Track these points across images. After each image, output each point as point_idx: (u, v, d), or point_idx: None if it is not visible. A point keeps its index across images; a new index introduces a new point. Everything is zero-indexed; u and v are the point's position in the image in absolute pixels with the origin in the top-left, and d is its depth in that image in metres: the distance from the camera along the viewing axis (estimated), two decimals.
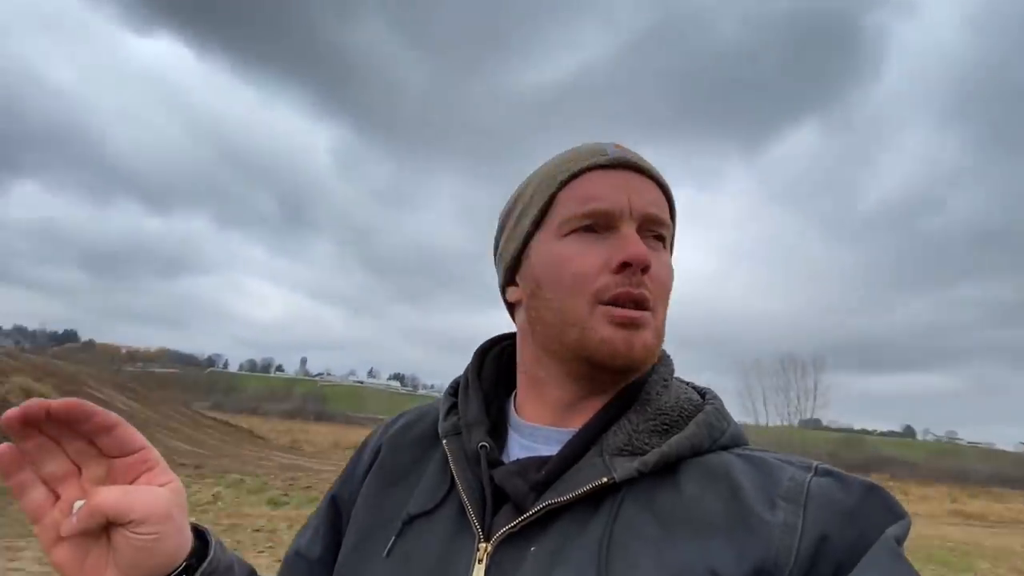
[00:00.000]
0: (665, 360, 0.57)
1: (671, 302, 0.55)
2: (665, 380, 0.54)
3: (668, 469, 0.48)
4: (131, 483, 0.44)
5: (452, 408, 0.58)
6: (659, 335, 0.52)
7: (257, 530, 6.67)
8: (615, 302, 0.50)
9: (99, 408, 0.42)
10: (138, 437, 0.45)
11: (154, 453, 0.46)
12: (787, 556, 0.42)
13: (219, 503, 8.15)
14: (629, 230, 0.52)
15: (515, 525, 0.47)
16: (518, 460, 0.53)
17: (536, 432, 0.55)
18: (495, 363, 0.62)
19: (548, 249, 0.53)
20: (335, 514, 0.60)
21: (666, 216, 0.55)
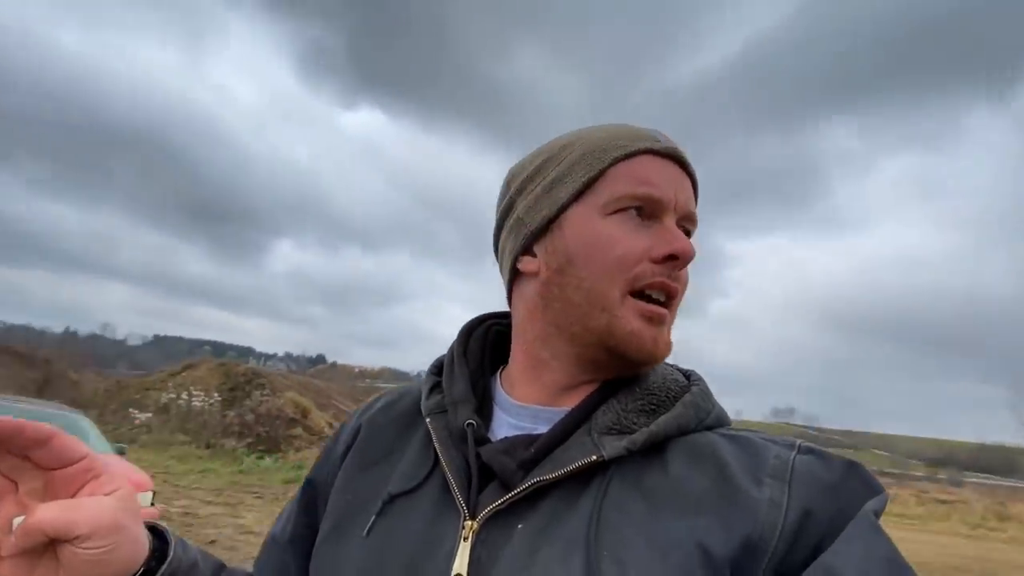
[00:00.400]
0: None
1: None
2: None
3: (656, 448, 0.48)
4: (74, 494, 0.42)
5: (436, 387, 0.57)
6: (670, 327, 0.53)
7: None
8: (647, 289, 0.50)
9: (28, 422, 0.40)
10: (78, 447, 0.42)
11: (98, 461, 0.43)
12: (772, 531, 0.43)
13: None
14: (671, 223, 0.51)
15: (502, 502, 0.47)
16: (506, 438, 0.52)
17: (524, 411, 0.54)
18: (481, 342, 0.60)
19: (591, 225, 0.51)
20: (310, 498, 0.60)
21: (695, 212, 0.55)
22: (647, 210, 0.51)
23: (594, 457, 0.46)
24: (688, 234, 0.54)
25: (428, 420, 0.54)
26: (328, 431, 14.58)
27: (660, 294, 0.50)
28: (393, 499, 0.51)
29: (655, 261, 0.49)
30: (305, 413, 14.86)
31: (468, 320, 0.63)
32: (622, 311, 0.49)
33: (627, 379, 0.52)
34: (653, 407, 0.50)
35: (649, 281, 0.49)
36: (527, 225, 0.54)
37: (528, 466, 0.48)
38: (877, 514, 0.44)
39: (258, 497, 8.21)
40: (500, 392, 0.57)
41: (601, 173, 0.51)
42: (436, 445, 0.52)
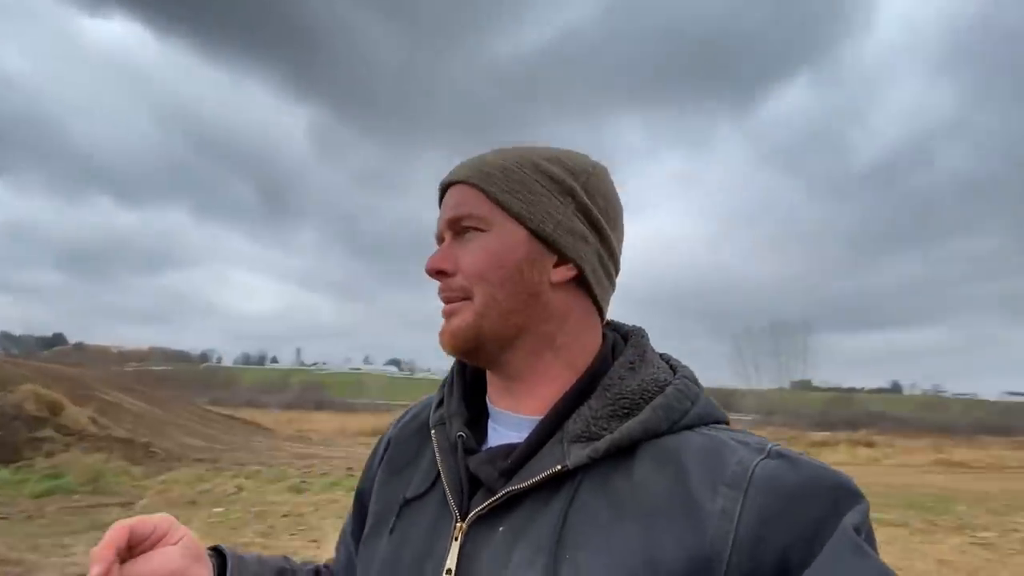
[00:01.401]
0: (635, 342, 0.58)
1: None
2: (631, 363, 0.55)
3: (627, 452, 0.50)
4: (148, 550, 0.52)
5: (442, 401, 0.63)
6: (477, 314, 0.55)
7: (285, 515, 7.07)
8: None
9: (140, 521, 0.52)
10: (152, 520, 0.53)
11: (168, 519, 0.54)
12: (723, 543, 0.43)
13: (243, 493, 8.53)
14: (445, 241, 0.59)
15: (483, 508, 0.52)
16: (489, 448, 0.56)
17: (508, 419, 0.58)
18: None
19: None
20: (360, 505, 0.69)
21: (464, 208, 0.57)
22: (439, 244, 0.60)
23: (559, 467, 0.50)
24: (470, 228, 0.57)
25: (433, 432, 0.61)
26: (94, 429, 12.24)
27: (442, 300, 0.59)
28: (408, 503, 0.59)
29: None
30: (55, 409, 12.12)
31: None
32: None
33: (596, 383, 0.55)
34: (626, 411, 0.51)
35: (439, 295, 0.59)
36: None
37: (508, 474, 0.52)
38: (859, 529, 0.42)
39: (2, 518, 6.63)
40: (489, 403, 0.61)
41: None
42: (437, 455, 0.59)
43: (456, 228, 0.58)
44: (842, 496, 0.44)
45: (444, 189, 0.61)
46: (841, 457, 17.95)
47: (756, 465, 0.46)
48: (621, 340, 0.60)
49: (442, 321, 0.58)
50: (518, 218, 0.56)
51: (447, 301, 0.58)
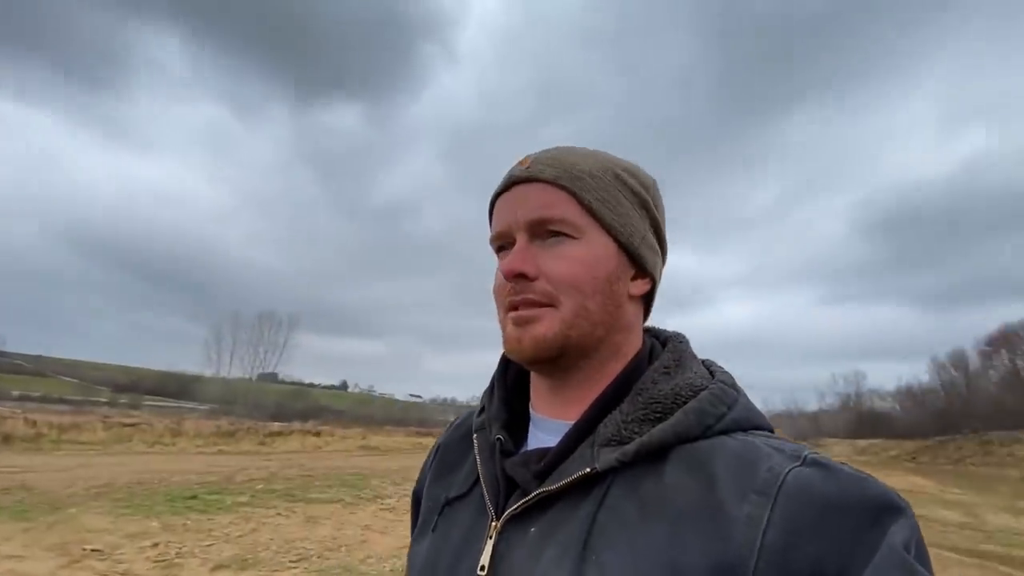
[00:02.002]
0: (672, 347, 0.58)
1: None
2: (666, 368, 0.55)
3: (658, 456, 0.49)
4: None
5: (484, 407, 0.65)
6: (566, 323, 0.54)
7: None
8: (511, 305, 0.56)
9: None
10: None
11: None
12: (749, 550, 0.41)
13: None
14: (520, 242, 0.56)
15: (516, 508, 0.53)
16: (524, 451, 0.57)
17: (550, 425, 0.58)
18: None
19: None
20: (415, 507, 0.73)
21: (555, 212, 0.55)
22: (506, 243, 0.58)
23: (588, 469, 0.50)
24: (557, 232, 0.55)
25: (475, 437, 0.63)
26: None
27: (519, 307, 0.56)
28: (450, 502, 0.61)
29: (510, 283, 0.56)
30: None
31: None
32: (506, 323, 0.57)
33: (628, 388, 0.54)
34: (658, 415, 0.51)
35: (510, 299, 0.56)
36: None
37: (541, 476, 0.53)
38: (907, 546, 0.40)
39: None
40: (532, 409, 0.62)
41: (490, 220, 0.61)
42: (477, 458, 0.60)
43: (539, 231, 0.56)
44: (885, 509, 0.41)
45: (513, 183, 0.57)
46: (293, 445, 19.53)
47: (788, 472, 0.44)
48: (659, 345, 0.60)
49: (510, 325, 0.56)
50: (609, 229, 0.56)
51: (526, 305, 0.55)
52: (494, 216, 0.60)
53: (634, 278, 0.58)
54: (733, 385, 0.54)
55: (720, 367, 0.58)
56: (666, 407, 0.51)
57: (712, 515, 0.44)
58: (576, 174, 0.56)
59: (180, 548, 5.23)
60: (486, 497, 0.56)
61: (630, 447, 0.50)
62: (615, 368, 0.57)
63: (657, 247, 0.60)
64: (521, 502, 0.53)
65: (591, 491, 0.50)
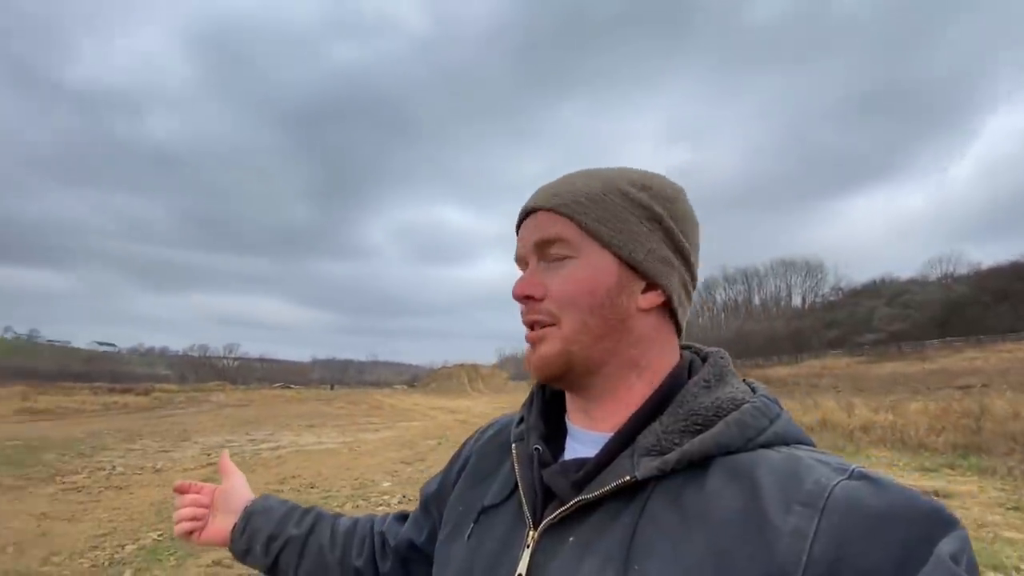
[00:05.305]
0: (713, 362, 0.58)
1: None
2: (707, 381, 0.55)
3: (700, 467, 0.49)
4: None
5: (523, 418, 0.66)
6: (567, 340, 0.56)
7: None
8: (529, 328, 0.59)
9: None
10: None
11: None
12: (795, 563, 0.41)
13: None
14: (530, 266, 0.59)
15: (555, 517, 0.53)
16: (563, 461, 0.58)
17: (585, 437, 0.59)
18: None
19: None
20: (425, 510, 0.76)
21: (554, 233, 0.57)
22: (521, 267, 0.61)
23: (628, 478, 0.50)
24: (553, 255, 0.58)
25: (513, 446, 0.64)
26: None
27: (530, 324, 0.59)
28: (486, 510, 0.62)
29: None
30: None
31: None
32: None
33: (667, 401, 0.55)
34: (698, 427, 0.51)
35: (523, 320, 0.59)
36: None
37: (579, 486, 0.54)
38: (956, 558, 0.39)
39: None
40: (568, 421, 0.63)
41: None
42: (515, 467, 0.61)
43: (542, 253, 0.59)
44: (935, 522, 0.41)
45: (526, 214, 0.61)
46: None
47: (835, 485, 0.44)
48: (700, 361, 0.60)
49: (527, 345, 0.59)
50: (608, 246, 0.57)
51: (533, 326, 0.58)
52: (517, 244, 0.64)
53: (644, 291, 0.57)
54: (775, 401, 0.54)
55: (761, 384, 0.58)
56: (706, 419, 0.51)
57: (756, 526, 0.44)
58: (574, 198, 0.58)
59: None
60: (524, 506, 0.58)
61: (671, 456, 0.50)
62: (639, 381, 0.57)
63: (672, 257, 0.58)
64: (559, 511, 0.53)
65: (631, 501, 0.50)
